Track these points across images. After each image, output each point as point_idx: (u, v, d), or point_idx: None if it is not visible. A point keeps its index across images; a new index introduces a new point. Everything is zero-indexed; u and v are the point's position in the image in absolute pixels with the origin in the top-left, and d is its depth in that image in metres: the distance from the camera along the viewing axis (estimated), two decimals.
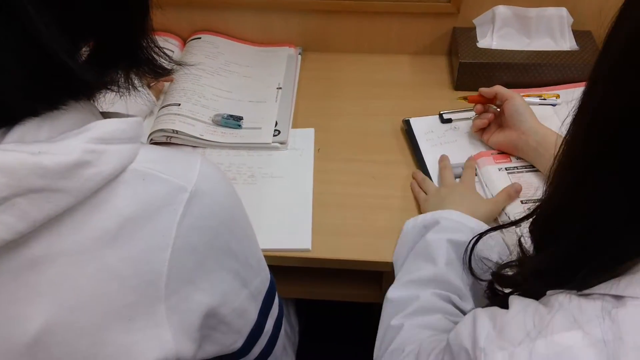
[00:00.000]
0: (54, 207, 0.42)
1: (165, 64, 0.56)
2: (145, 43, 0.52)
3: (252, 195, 0.91)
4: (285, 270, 0.89)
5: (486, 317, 0.49)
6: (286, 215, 0.88)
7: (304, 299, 1.03)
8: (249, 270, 0.58)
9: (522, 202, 0.86)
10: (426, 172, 0.94)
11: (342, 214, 0.89)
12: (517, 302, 0.48)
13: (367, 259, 0.83)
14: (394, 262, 0.81)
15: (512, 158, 0.93)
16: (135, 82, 0.54)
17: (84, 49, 0.48)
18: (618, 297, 0.41)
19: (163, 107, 1.02)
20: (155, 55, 0.54)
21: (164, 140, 0.99)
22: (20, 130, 0.42)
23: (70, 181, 0.42)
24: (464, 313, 0.70)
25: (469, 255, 0.69)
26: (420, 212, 0.87)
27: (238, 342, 0.60)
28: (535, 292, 0.49)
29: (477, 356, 0.46)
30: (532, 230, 0.54)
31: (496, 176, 0.90)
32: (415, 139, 1.00)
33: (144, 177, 0.47)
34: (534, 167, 0.91)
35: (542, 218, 0.53)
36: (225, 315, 0.55)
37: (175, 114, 0.99)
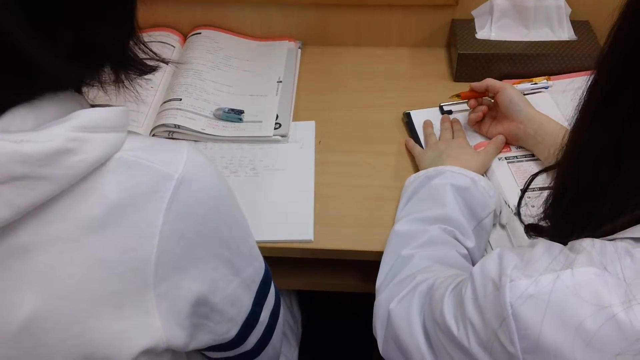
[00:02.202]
0: (38, 194, 0.42)
1: (150, 62, 0.56)
2: (130, 42, 0.52)
3: (254, 188, 0.92)
4: (288, 262, 0.90)
5: (513, 253, 0.51)
6: (288, 207, 0.89)
7: (307, 291, 1.04)
8: (241, 258, 0.58)
9: (521, 190, 0.87)
10: None
11: (344, 204, 0.90)
12: (543, 243, 0.51)
13: (369, 249, 0.84)
14: (396, 215, 0.84)
15: (511, 147, 0.94)
16: (122, 77, 0.54)
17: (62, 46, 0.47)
18: (637, 239, 0.44)
19: (165, 102, 1.03)
20: (140, 54, 0.54)
21: (166, 135, 0.99)
22: (6, 120, 0.43)
23: (53, 168, 0.42)
24: (466, 248, 0.76)
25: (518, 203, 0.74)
26: (415, 169, 0.93)
27: (232, 331, 0.60)
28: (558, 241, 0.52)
29: (503, 283, 0.47)
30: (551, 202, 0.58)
31: (496, 165, 0.91)
32: (416, 131, 1.01)
33: (130, 165, 0.47)
34: (533, 155, 0.92)
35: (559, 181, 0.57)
36: (216, 303, 0.55)
37: (177, 108, 1.00)
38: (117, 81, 0.54)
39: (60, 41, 0.45)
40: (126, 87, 0.55)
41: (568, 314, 0.43)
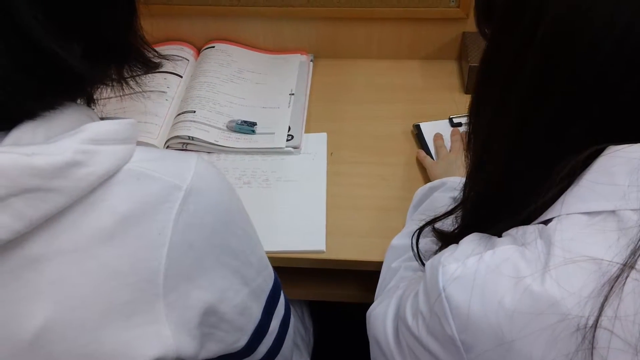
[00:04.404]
0: (49, 206, 0.43)
1: (153, 57, 0.57)
2: (133, 38, 0.54)
3: (267, 199, 0.93)
4: (300, 272, 0.91)
5: (453, 245, 0.53)
6: (300, 217, 0.90)
7: (319, 301, 1.05)
8: (250, 267, 0.58)
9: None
10: None
11: (356, 215, 0.90)
12: (475, 233, 0.54)
13: (381, 260, 0.84)
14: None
15: None
16: (126, 75, 0.55)
17: (75, 46, 0.48)
18: (549, 220, 0.47)
19: (179, 114, 1.05)
20: (143, 50, 0.55)
21: (180, 147, 1.01)
22: (16, 134, 0.43)
23: (63, 181, 0.43)
24: None
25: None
26: (426, 180, 0.95)
27: (241, 341, 0.60)
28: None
29: (437, 270, 0.50)
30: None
31: None
32: (426, 143, 1.01)
33: (139, 176, 0.48)
34: None
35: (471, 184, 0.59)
36: (226, 312, 0.56)
37: (191, 120, 1.02)
38: (122, 80, 0.55)
39: (75, 40, 0.46)
40: (132, 87, 0.56)
41: (490, 290, 0.45)
